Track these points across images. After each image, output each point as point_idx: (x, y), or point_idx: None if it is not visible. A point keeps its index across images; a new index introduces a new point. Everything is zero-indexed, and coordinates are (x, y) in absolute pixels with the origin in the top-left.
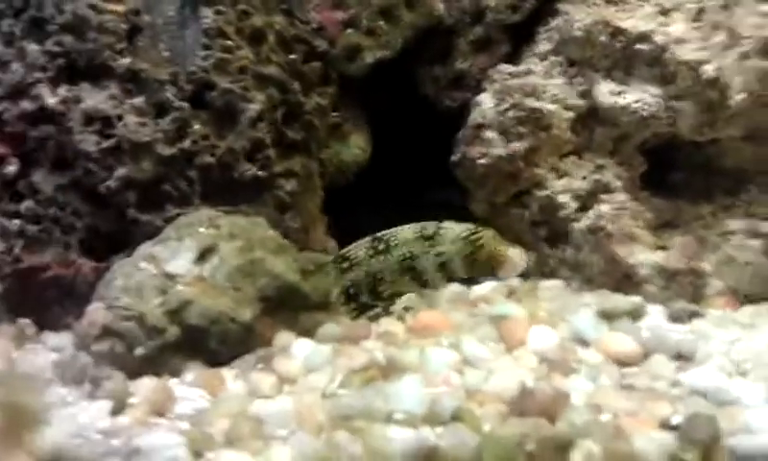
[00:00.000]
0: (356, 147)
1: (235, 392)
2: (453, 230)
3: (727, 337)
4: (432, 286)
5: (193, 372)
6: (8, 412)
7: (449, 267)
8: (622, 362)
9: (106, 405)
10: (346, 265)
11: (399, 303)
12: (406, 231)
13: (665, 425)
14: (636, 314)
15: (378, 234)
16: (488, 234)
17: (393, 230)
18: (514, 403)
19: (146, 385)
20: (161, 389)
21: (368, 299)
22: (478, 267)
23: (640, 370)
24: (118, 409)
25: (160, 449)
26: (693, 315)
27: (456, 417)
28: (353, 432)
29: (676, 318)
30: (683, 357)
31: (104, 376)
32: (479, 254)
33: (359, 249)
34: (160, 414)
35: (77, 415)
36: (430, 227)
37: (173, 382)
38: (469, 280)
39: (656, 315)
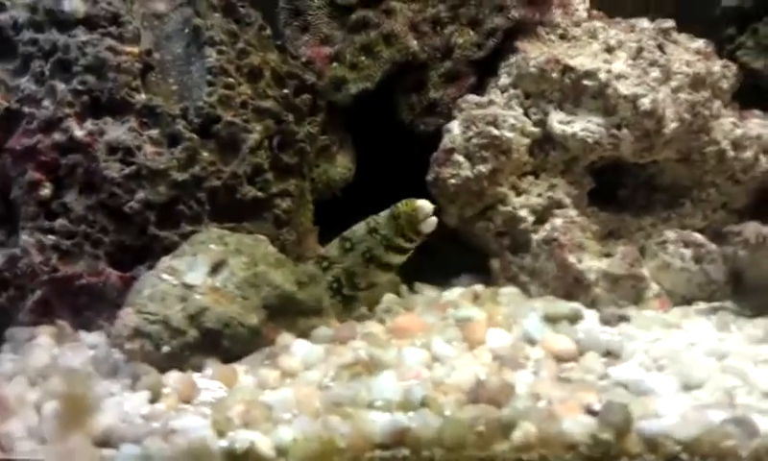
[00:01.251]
0: (342, 166)
1: (247, 384)
2: (383, 214)
3: (649, 337)
4: (391, 266)
5: (211, 367)
6: (67, 401)
7: (393, 244)
8: (561, 359)
9: (144, 395)
10: (325, 264)
11: (381, 306)
12: (359, 229)
13: (589, 411)
14: (573, 318)
15: (343, 234)
16: (403, 204)
17: (351, 229)
18: (470, 393)
19: (174, 378)
20: (187, 381)
21: (348, 291)
22: (407, 231)
23: (576, 365)
24: (154, 398)
25: (192, 430)
26: (622, 319)
27: (424, 404)
28: (344, 416)
29: (606, 322)
30: (611, 354)
31: (142, 371)
32: (403, 221)
33: (332, 249)
34: (187, 402)
35: (122, 403)
36: (372, 220)
37: (195, 376)
38: (441, 285)
39: (591, 319)
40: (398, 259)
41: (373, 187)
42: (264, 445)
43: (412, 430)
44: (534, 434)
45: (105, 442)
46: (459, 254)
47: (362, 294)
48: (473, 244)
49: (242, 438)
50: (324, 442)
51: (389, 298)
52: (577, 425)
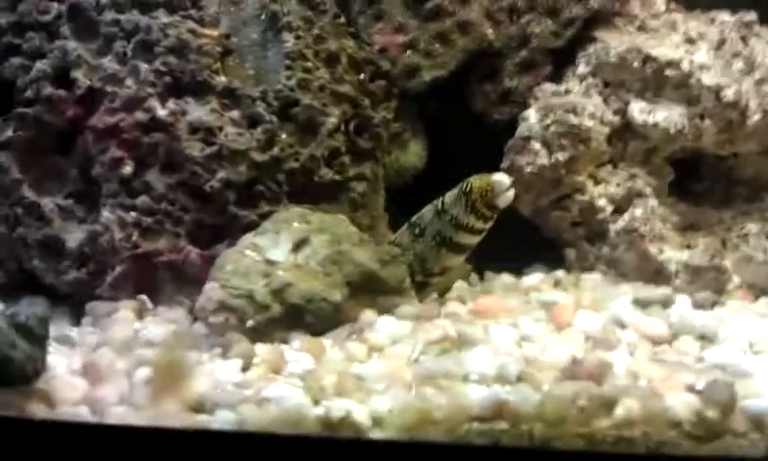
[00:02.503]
0: (414, 153)
1: (335, 357)
2: (451, 193)
3: (743, 322)
4: (464, 247)
5: (298, 340)
6: (164, 368)
7: (463, 223)
8: (654, 341)
9: (236, 364)
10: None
11: (452, 294)
12: (427, 212)
13: (691, 390)
14: (665, 302)
15: (412, 220)
16: (476, 178)
17: (419, 214)
18: (565, 371)
19: (263, 349)
20: (276, 352)
21: (421, 277)
22: (481, 207)
23: (670, 348)
24: (246, 367)
25: (287, 398)
26: (715, 303)
27: (521, 379)
28: (438, 388)
29: (699, 306)
30: (705, 338)
31: (233, 340)
32: (475, 197)
33: (403, 236)
34: (277, 372)
35: (214, 371)
36: (439, 201)
37: (283, 348)
38: (513, 274)
39: (682, 303)
40: (471, 240)
41: (445, 176)
42: (360, 413)
43: (510, 404)
44: (636, 411)
45: (198, 408)
46: (529, 245)
47: (434, 280)
48: (546, 234)
49: (337, 406)
50: (420, 412)
51: (459, 285)
52: (680, 403)
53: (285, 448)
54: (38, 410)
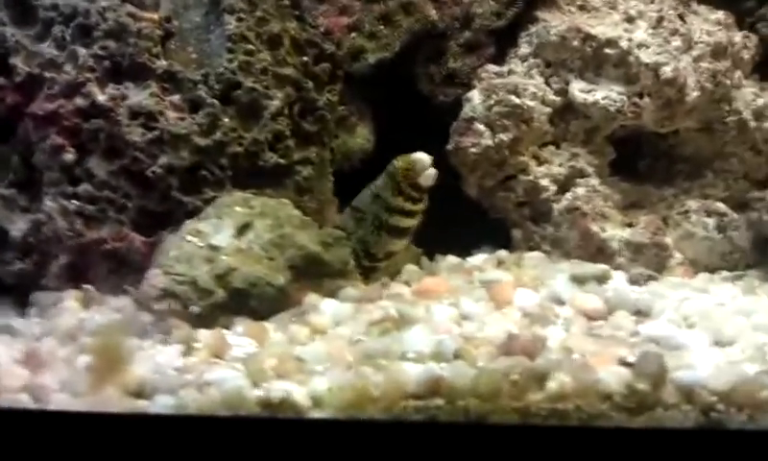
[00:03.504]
0: (361, 137)
1: (277, 340)
2: (380, 178)
3: (678, 297)
4: (402, 230)
5: (241, 325)
6: (101, 354)
7: (394, 206)
8: (590, 317)
9: (177, 349)
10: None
11: (403, 276)
12: (365, 196)
13: (623, 363)
14: (602, 278)
15: (353, 204)
16: (398, 160)
17: (358, 197)
18: (501, 347)
19: (205, 334)
20: (218, 337)
21: (366, 262)
22: (407, 189)
23: (605, 323)
24: (187, 353)
25: (227, 381)
26: (650, 278)
27: (457, 356)
28: (376, 367)
29: (635, 281)
30: (640, 313)
31: (173, 326)
32: (400, 178)
33: (347, 220)
34: (219, 357)
35: (154, 356)
36: (373, 185)
37: (226, 333)
38: (462, 256)
39: (619, 279)
40: (407, 223)
41: (392, 158)
42: (299, 394)
43: (446, 380)
44: (569, 384)
45: (138, 393)
46: (478, 227)
47: (381, 265)
48: (493, 215)
49: (277, 388)
50: (357, 391)
51: (410, 268)
52: (612, 376)
53: (224, 429)
54: None
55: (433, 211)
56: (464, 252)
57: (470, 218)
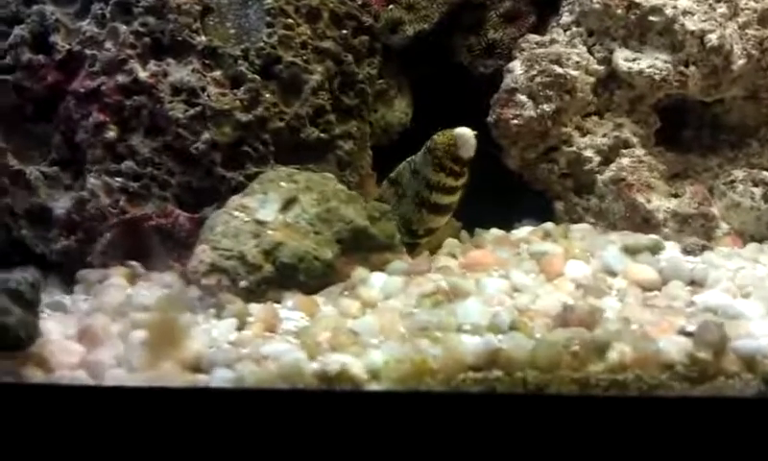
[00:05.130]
0: (400, 110)
1: (328, 313)
2: (419, 154)
3: (732, 266)
4: (444, 207)
5: (291, 299)
6: (158, 329)
7: (434, 182)
8: (644, 287)
9: (231, 323)
10: None
11: (444, 250)
12: (403, 172)
13: (682, 332)
14: (654, 249)
15: (392, 177)
16: (439, 135)
17: (397, 170)
18: (557, 318)
19: (257, 308)
20: (270, 310)
21: (407, 238)
22: (448, 163)
23: (660, 293)
24: (241, 326)
25: (284, 354)
26: (704, 248)
27: (513, 327)
28: (432, 340)
29: (689, 251)
30: (695, 283)
31: (226, 301)
32: (440, 153)
33: (386, 193)
34: (272, 331)
35: (210, 330)
36: (412, 160)
37: (277, 307)
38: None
39: (672, 250)
40: (449, 199)
41: (431, 132)
42: (356, 367)
43: (504, 351)
44: (629, 354)
45: (195, 367)
46: (515, 200)
47: (422, 240)
48: (535, 187)
49: (333, 361)
50: (415, 363)
51: (450, 242)
52: (673, 346)
53: (284, 403)
54: (36, 375)
55: (471, 185)
56: (502, 225)
57: (508, 191)
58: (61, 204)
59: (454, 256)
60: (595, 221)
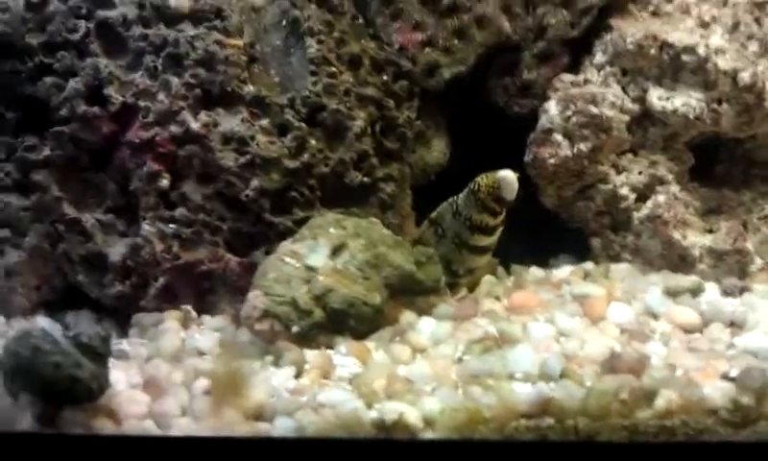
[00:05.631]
0: (438, 151)
1: (380, 359)
2: (462, 194)
3: None
4: (484, 248)
5: (343, 345)
6: (224, 378)
7: (476, 223)
8: (687, 330)
9: (289, 371)
10: None
11: (483, 287)
12: (446, 212)
13: (726, 377)
14: (695, 291)
15: (433, 217)
16: (483, 177)
17: (438, 211)
18: (605, 364)
19: (312, 355)
20: (325, 357)
21: (448, 278)
22: (490, 203)
23: (702, 336)
24: (298, 374)
25: (342, 403)
26: (743, 290)
27: (563, 375)
28: (484, 387)
29: (728, 293)
30: (735, 325)
31: (282, 349)
32: (483, 195)
33: (427, 234)
34: (326, 377)
35: (269, 378)
36: (453, 201)
37: (330, 352)
38: (546, 264)
39: (711, 291)
40: (488, 241)
41: (468, 171)
42: (412, 415)
43: (555, 400)
44: (675, 401)
45: (258, 416)
46: (554, 237)
47: (463, 280)
48: (571, 225)
49: (390, 409)
50: (470, 412)
51: (488, 279)
52: (716, 391)
53: (345, 451)
54: (105, 426)
55: (508, 221)
56: (538, 260)
57: (543, 228)
58: (116, 250)
59: (498, 299)
60: (632, 258)
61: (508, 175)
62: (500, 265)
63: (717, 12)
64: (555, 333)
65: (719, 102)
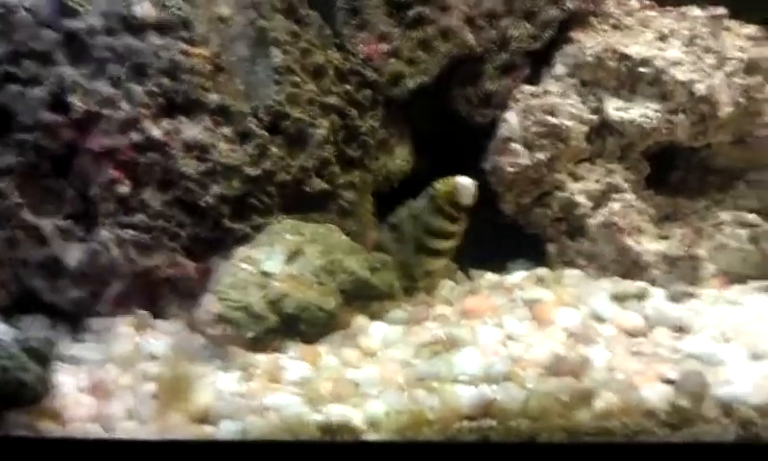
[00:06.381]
0: (401, 158)
1: (330, 363)
2: (421, 199)
3: (716, 312)
4: (442, 252)
5: (293, 349)
6: (170, 381)
7: (435, 229)
8: (632, 334)
9: (236, 375)
10: None
11: (441, 291)
12: (402, 217)
13: (665, 380)
14: (641, 296)
15: (392, 222)
16: (441, 182)
17: (396, 214)
18: (549, 367)
19: (261, 359)
20: (274, 361)
21: (406, 282)
22: (448, 209)
23: (646, 340)
24: (246, 378)
25: (287, 406)
26: (690, 296)
27: (507, 378)
28: (429, 390)
29: (674, 298)
30: (681, 330)
31: (232, 353)
32: (441, 201)
33: (387, 239)
34: (275, 381)
35: (215, 382)
36: (412, 205)
37: (280, 356)
38: (497, 272)
39: (658, 297)
40: (447, 244)
41: (430, 179)
42: (357, 418)
43: (497, 402)
44: (615, 403)
45: (204, 419)
46: (509, 241)
47: (420, 284)
48: (529, 231)
49: (335, 412)
50: (414, 414)
51: (447, 284)
52: (655, 394)
53: (288, 455)
54: (50, 428)
55: (468, 227)
56: (496, 266)
57: (501, 233)
58: (73, 255)
59: (450, 303)
60: (587, 263)
61: (465, 181)
62: (460, 270)
63: (676, 26)
64: (503, 337)
65: (675, 112)
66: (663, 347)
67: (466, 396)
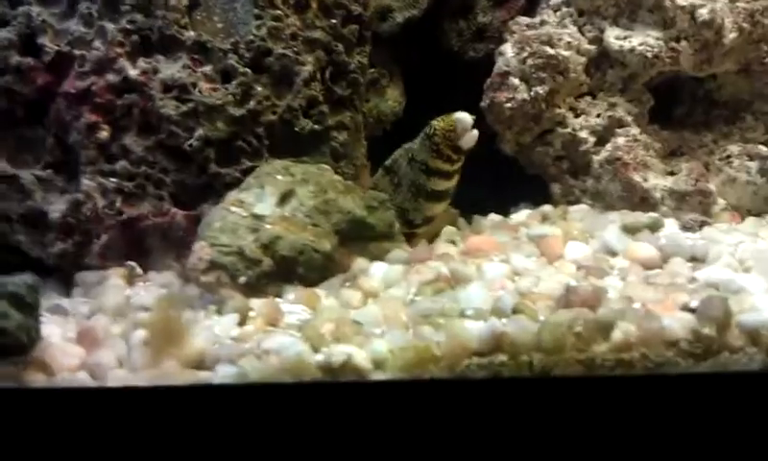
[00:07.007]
0: (393, 99)
1: (330, 305)
2: (418, 139)
3: (732, 241)
4: (441, 193)
5: (292, 293)
6: (159, 327)
7: (433, 168)
8: (646, 266)
9: (232, 319)
10: None
11: (443, 237)
12: (398, 160)
13: (686, 309)
14: (654, 227)
15: (387, 165)
16: (439, 120)
17: (393, 158)
18: (560, 300)
19: (258, 303)
20: (272, 305)
21: (405, 228)
22: (446, 150)
23: (662, 271)
24: (242, 322)
25: (287, 347)
26: (703, 224)
27: (516, 310)
28: (435, 326)
29: (688, 227)
30: (696, 259)
31: (227, 297)
32: (439, 139)
33: (381, 184)
34: (274, 324)
35: (212, 327)
36: (409, 147)
37: (278, 301)
38: (501, 212)
39: (671, 227)
40: (446, 185)
41: (424, 119)
42: (360, 357)
43: (508, 335)
44: (633, 333)
45: (199, 364)
46: (512, 184)
47: (421, 230)
48: (531, 171)
49: (337, 352)
50: (419, 351)
51: (449, 230)
52: (676, 323)
53: (289, 396)
54: (37, 379)
55: (466, 171)
56: (499, 210)
57: (504, 176)
58: (57, 207)
59: (454, 243)
60: (593, 202)
61: (463, 116)
62: (461, 216)
63: None
64: (510, 272)
65: (677, 40)
66: (681, 276)
67: (474, 330)
